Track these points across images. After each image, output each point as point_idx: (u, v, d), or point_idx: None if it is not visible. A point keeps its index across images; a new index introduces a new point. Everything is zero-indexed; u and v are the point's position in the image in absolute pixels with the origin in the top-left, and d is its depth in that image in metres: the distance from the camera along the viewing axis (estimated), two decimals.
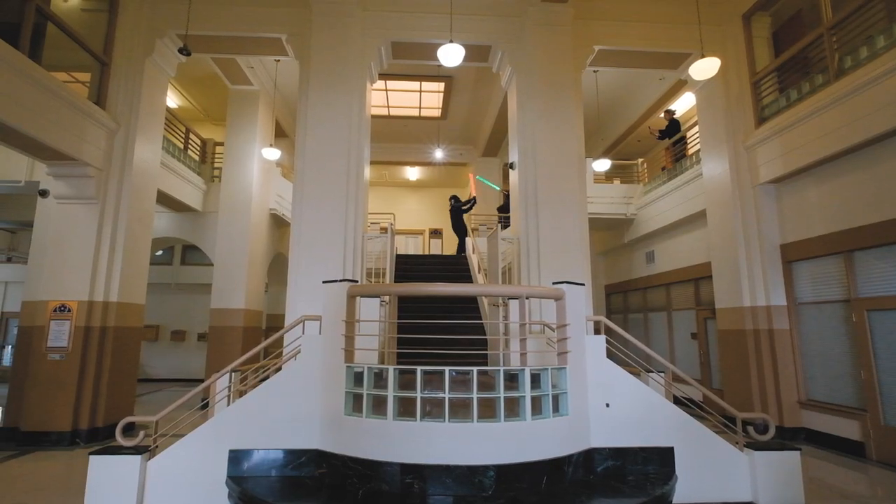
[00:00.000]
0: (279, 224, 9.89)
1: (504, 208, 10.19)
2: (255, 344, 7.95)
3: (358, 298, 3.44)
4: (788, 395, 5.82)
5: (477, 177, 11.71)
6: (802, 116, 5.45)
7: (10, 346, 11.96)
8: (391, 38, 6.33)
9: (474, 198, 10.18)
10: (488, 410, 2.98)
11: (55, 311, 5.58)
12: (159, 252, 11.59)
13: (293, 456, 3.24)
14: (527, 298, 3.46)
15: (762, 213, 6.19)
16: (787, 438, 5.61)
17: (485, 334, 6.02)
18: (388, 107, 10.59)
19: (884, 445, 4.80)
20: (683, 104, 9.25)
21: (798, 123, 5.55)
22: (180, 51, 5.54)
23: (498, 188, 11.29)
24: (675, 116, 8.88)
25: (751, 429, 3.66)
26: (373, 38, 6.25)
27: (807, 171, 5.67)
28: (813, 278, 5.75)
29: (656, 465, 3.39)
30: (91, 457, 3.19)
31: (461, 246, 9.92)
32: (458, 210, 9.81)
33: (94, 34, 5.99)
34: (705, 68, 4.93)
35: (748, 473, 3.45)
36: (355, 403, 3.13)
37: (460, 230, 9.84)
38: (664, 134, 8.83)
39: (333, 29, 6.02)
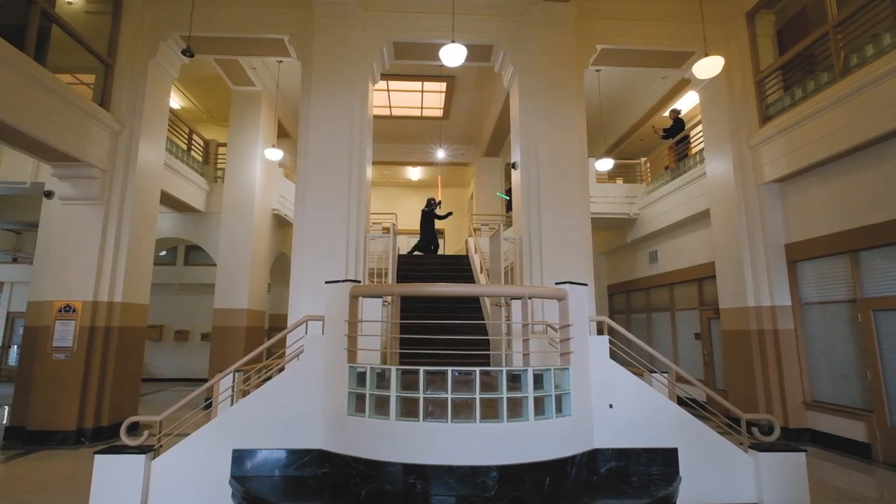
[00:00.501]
0: (282, 224, 9.92)
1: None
2: (258, 344, 7.98)
3: (360, 299, 3.44)
4: (793, 395, 5.78)
5: (497, 193, 11.81)
6: (807, 115, 5.41)
7: (16, 346, 12.05)
8: (393, 39, 6.33)
9: (450, 213, 10.28)
10: (491, 411, 2.97)
11: (60, 311, 5.61)
12: (163, 252, 11.64)
13: (296, 456, 3.24)
14: (529, 299, 3.45)
15: (766, 213, 6.16)
16: (791, 439, 5.57)
17: (487, 334, 6.01)
18: (391, 107, 10.59)
19: (890, 447, 4.76)
20: (687, 103, 9.20)
21: (803, 122, 5.51)
22: (183, 52, 5.56)
23: (507, 198, 11.35)
24: (680, 116, 8.83)
25: (755, 430, 3.63)
26: (375, 39, 6.26)
27: (811, 170, 5.63)
28: (818, 278, 5.71)
29: (660, 466, 3.38)
30: (96, 456, 3.20)
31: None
32: (431, 215, 9.92)
33: (98, 36, 6.02)
34: (709, 67, 4.91)
35: (753, 475, 3.42)
36: (358, 403, 3.13)
37: (429, 235, 9.89)
38: (669, 133, 8.79)
39: (335, 29, 6.03)
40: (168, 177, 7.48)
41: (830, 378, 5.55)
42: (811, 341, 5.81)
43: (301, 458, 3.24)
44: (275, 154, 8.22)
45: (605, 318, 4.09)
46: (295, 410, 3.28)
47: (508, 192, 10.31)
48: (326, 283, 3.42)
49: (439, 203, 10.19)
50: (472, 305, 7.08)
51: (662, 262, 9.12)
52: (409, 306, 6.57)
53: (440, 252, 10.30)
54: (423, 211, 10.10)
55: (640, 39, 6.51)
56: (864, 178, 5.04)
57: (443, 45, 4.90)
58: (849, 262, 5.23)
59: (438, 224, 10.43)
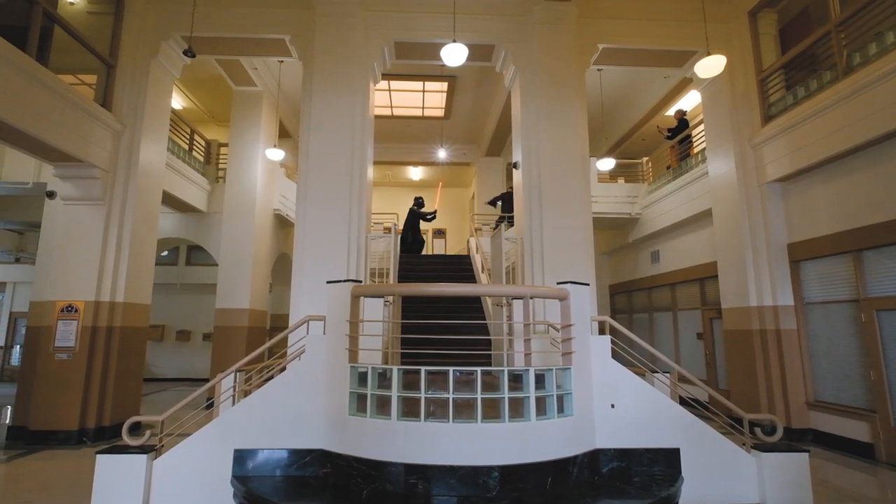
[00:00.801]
0: (283, 224, 9.92)
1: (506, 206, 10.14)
2: (260, 344, 7.98)
3: (362, 298, 3.44)
4: (796, 395, 5.76)
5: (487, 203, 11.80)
6: (810, 114, 5.39)
7: (18, 346, 12.08)
8: (394, 39, 6.32)
9: (435, 211, 10.30)
10: (492, 411, 2.97)
11: (62, 311, 5.62)
12: (164, 252, 11.66)
13: (297, 456, 3.24)
14: (531, 298, 3.44)
15: (769, 212, 6.13)
16: (794, 440, 5.55)
17: (488, 334, 6.00)
18: (392, 107, 10.59)
19: (893, 447, 4.73)
20: (689, 103, 9.18)
21: (805, 121, 5.49)
22: (185, 53, 5.57)
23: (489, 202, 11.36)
24: (685, 117, 8.79)
25: (758, 430, 3.62)
26: (376, 39, 6.25)
27: (814, 170, 5.61)
28: (821, 278, 5.68)
29: (662, 466, 3.36)
30: (98, 456, 3.21)
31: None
32: (418, 215, 9.98)
33: (100, 37, 6.04)
34: (711, 66, 4.89)
35: (755, 475, 3.41)
36: (359, 403, 3.13)
37: (413, 234, 9.99)
38: (674, 133, 8.76)
39: (336, 30, 6.02)
40: (170, 177, 7.49)
41: (833, 378, 5.53)
42: (814, 341, 5.79)
43: (302, 458, 3.24)
44: (276, 154, 8.22)
45: (607, 318, 4.08)
46: (296, 410, 3.28)
47: (501, 196, 10.28)
48: (328, 283, 3.42)
49: (434, 213, 10.21)
50: (473, 305, 7.08)
51: (664, 262, 9.09)
52: (410, 306, 6.57)
53: (423, 252, 10.34)
54: (410, 209, 10.11)
55: (641, 39, 6.50)
56: (867, 178, 5.02)
57: (444, 44, 4.90)
58: (852, 262, 5.21)
59: (424, 224, 10.48)
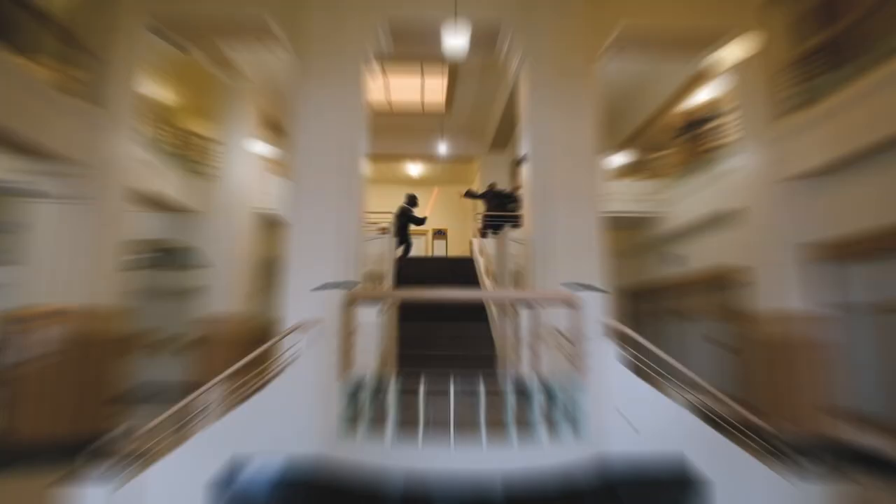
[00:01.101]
0: (274, 225, 9.55)
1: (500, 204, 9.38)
2: (249, 351, 7.68)
3: (357, 304, 3.14)
4: (839, 413, 5.20)
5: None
6: (854, 98, 4.84)
7: None
8: (389, 16, 5.86)
9: (425, 218, 9.55)
10: (497, 428, 2.66)
11: (31, 317, 5.22)
12: (147, 255, 11.29)
13: (287, 468, 3.03)
14: (539, 304, 3.10)
15: (800, 209, 5.62)
16: (838, 462, 4.98)
17: (493, 342, 5.63)
18: (391, 102, 10.28)
19: None
20: (709, 94, 8.67)
21: (844, 109, 4.96)
22: (164, 38, 5.23)
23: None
24: (702, 118, 8.32)
25: (800, 456, 3.19)
26: (369, 18, 5.83)
27: (855, 161, 5.06)
28: (864, 281, 5.16)
29: (689, 495, 2.96)
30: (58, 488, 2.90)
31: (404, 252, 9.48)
32: (407, 215, 9.26)
33: (73, 24, 5.67)
34: (737, 51, 4.45)
35: None
36: (351, 420, 2.90)
37: (402, 236, 9.27)
38: (689, 129, 8.30)
39: (327, 12, 5.66)
40: (152, 174, 7.11)
41: (882, 393, 4.98)
42: (857, 352, 5.20)
43: (292, 470, 3.02)
44: (266, 151, 7.89)
45: (620, 325, 3.68)
46: (287, 421, 3.09)
47: (484, 194, 9.67)
48: (319, 288, 3.17)
49: (424, 219, 9.51)
50: (476, 311, 6.70)
51: (685, 264, 8.58)
52: (409, 313, 6.20)
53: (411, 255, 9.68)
54: (400, 207, 9.28)
55: (661, 22, 6.01)
56: None
57: (444, 27, 4.54)
58: None
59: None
